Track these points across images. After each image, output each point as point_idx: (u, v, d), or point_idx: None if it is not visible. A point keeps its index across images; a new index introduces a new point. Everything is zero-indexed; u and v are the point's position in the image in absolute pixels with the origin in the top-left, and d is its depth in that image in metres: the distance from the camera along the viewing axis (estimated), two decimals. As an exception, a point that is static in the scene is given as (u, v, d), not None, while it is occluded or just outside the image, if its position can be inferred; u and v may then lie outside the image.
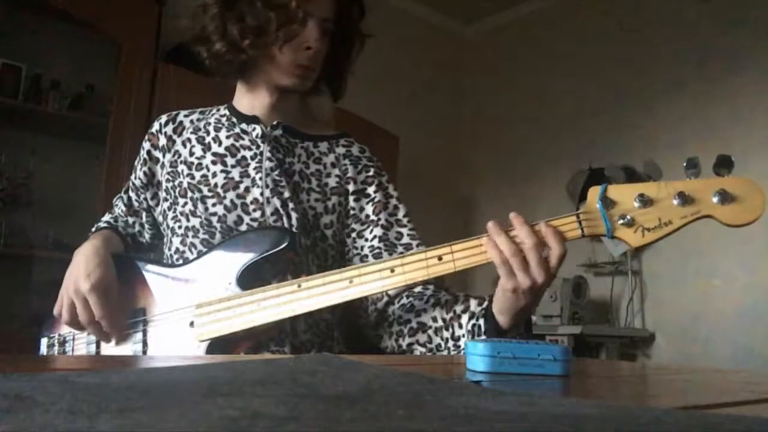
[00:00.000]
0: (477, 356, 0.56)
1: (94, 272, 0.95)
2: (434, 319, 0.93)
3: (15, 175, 2.52)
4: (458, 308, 0.91)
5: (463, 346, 0.88)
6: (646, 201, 0.76)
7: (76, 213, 2.51)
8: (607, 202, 0.77)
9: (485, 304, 0.88)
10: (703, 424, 0.28)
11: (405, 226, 1.06)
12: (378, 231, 1.05)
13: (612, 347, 2.99)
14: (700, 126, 3.05)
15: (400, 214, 1.07)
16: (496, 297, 0.84)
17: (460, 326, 0.90)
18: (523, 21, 4.02)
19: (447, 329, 0.91)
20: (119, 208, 1.16)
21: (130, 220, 1.15)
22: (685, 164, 0.77)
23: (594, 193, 0.78)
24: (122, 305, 0.98)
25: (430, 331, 0.93)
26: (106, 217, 1.17)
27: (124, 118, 2.51)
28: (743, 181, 0.74)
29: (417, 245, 1.03)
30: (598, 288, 3.21)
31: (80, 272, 0.95)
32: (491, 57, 4.22)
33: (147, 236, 1.15)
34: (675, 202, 0.75)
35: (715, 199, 0.74)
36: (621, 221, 0.77)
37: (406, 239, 1.04)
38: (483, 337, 0.85)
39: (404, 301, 0.99)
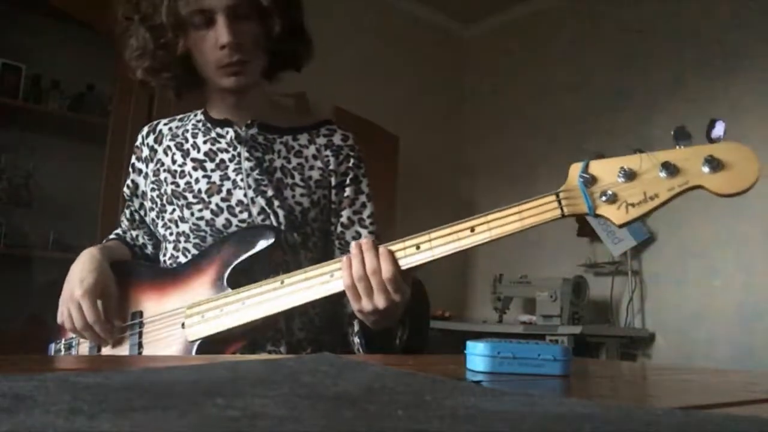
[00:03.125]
0: (477, 356, 0.56)
1: (87, 278, 0.95)
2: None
3: (15, 175, 2.52)
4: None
5: (357, 341, 0.96)
6: (629, 174, 0.69)
7: (76, 213, 2.51)
8: (589, 179, 0.71)
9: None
10: (703, 424, 0.28)
11: (366, 227, 1.07)
12: (339, 228, 1.07)
13: (612, 347, 2.99)
14: (699, 126, 3.04)
15: (365, 213, 1.07)
16: None
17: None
18: (523, 21, 4.02)
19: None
20: (124, 223, 1.18)
21: (134, 233, 1.16)
22: (673, 133, 0.70)
23: (575, 170, 0.73)
24: (119, 309, 0.99)
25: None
26: (116, 231, 1.19)
27: (124, 118, 2.51)
28: (734, 146, 0.67)
29: None
30: (598, 288, 3.21)
31: (75, 279, 0.96)
32: (491, 57, 4.21)
33: (150, 247, 1.16)
34: (661, 174, 0.68)
35: (704, 168, 0.67)
36: (603, 198, 0.70)
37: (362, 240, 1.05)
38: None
39: None
